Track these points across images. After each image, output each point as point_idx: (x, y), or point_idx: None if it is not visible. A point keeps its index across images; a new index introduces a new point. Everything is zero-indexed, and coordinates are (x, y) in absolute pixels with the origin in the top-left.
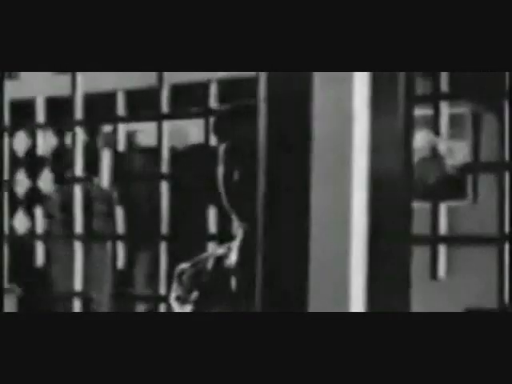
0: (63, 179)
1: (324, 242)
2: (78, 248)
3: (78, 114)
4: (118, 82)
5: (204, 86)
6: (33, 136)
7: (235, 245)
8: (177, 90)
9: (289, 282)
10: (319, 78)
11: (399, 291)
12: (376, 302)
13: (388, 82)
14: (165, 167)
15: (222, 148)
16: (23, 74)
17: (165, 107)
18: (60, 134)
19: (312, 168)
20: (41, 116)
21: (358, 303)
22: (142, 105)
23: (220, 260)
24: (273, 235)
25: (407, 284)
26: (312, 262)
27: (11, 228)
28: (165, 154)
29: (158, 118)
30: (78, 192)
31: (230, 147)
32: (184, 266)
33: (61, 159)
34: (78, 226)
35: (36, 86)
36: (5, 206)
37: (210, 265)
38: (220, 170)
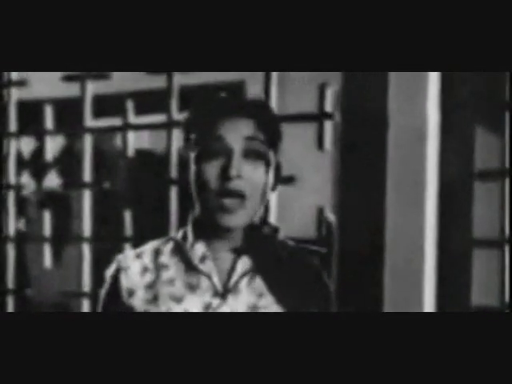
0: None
1: (399, 243)
2: (86, 250)
3: (88, 118)
4: (125, 83)
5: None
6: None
7: (190, 233)
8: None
9: (365, 285)
10: (394, 97)
11: (463, 292)
12: (445, 303)
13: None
14: (174, 172)
15: (193, 154)
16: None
17: (174, 113)
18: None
19: (387, 179)
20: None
21: (429, 304)
22: (150, 108)
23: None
24: (349, 239)
25: (469, 286)
26: (387, 263)
27: None
28: (174, 159)
29: (169, 124)
30: (87, 197)
31: (203, 152)
32: (113, 268)
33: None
34: (87, 229)
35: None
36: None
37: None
38: (192, 169)
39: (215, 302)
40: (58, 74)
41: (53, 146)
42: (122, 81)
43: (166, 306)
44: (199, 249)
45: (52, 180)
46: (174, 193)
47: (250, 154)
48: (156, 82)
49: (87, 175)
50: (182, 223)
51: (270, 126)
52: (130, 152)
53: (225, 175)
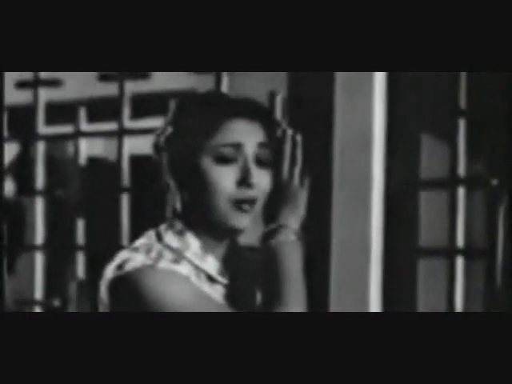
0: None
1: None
2: (39, 258)
3: (40, 125)
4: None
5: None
6: None
7: (192, 241)
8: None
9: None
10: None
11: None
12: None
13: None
14: (126, 180)
15: (204, 157)
16: None
17: (126, 120)
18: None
19: (333, 185)
20: None
21: (375, 304)
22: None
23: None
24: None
25: (415, 289)
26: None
27: None
28: (125, 167)
29: (120, 132)
30: (39, 204)
31: (219, 156)
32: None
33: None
34: (39, 237)
35: None
36: None
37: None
38: (203, 173)
39: None
40: (11, 81)
41: (7, 153)
42: (74, 88)
43: None
44: (212, 261)
45: (7, 187)
46: (125, 201)
47: (260, 160)
48: (108, 89)
49: (40, 182)
50: (134, 231)
51: (274, 130)
52: (82, 159)
53: (244, 183)
